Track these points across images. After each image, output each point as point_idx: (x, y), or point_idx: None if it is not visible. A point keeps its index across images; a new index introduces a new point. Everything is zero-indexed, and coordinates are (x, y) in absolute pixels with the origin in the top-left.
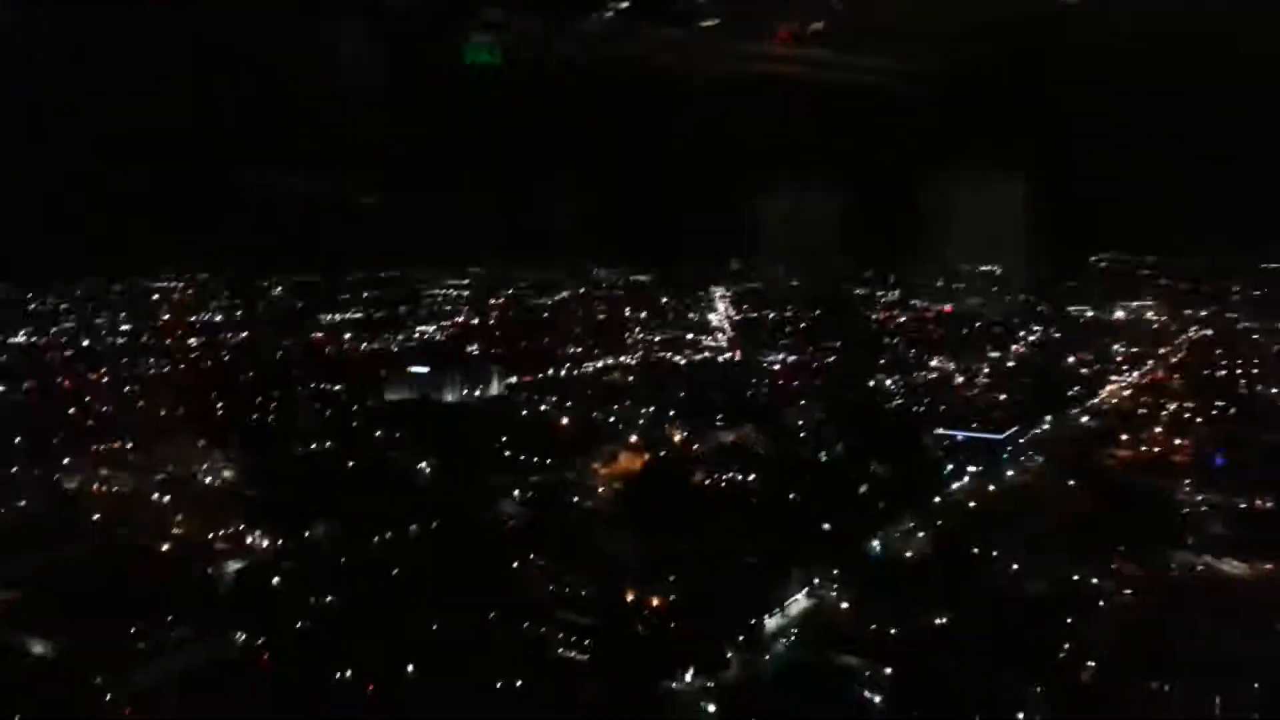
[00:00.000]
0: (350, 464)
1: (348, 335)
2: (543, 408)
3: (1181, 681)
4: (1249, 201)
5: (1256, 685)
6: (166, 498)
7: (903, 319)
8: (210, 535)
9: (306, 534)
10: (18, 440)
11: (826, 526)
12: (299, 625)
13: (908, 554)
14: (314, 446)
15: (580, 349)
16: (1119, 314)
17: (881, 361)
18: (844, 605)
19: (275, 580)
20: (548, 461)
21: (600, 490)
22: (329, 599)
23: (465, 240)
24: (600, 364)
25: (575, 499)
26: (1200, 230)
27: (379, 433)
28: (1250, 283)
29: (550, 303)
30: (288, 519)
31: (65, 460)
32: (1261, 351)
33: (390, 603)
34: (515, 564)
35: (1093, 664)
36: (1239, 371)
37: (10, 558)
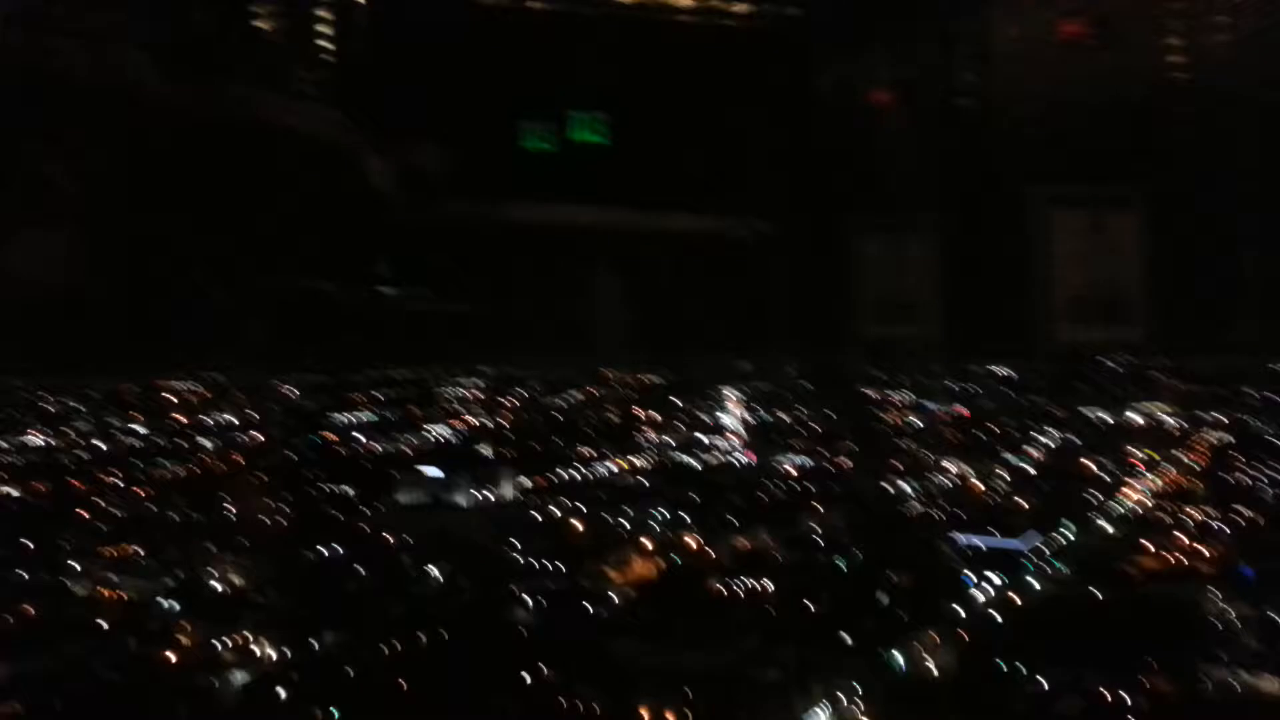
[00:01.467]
0: (360, 569)
1: (360, 436)
2: (556, 511)
3: None
4: (1261, 299)
5: None
6: (175, 604)
7: (917, 420)
8: (217, 644)
9: (315, 643)
10: (28, 545)
11: (847, 639)
12: None
13: (933, 667)
14: (324, 550)
15: (593, 450)
16: (1133, 416)
17: (897, 465)
18: None
19: (282, 691)
20: (560, 567)
21: (614, 598)
22: (336, 713)
23: (478, 336)
24: (613, 466)
25: (588, 607)
26: (1211, 328)
27: (390, 537)
28: (1264, 385)
29: (562, 403)
30: (296, 627)
31: (75, 565)
32: None
33: (399, 715)
34: (526, 675)
35: None
36: (1259, 476)
37: (12, 665)
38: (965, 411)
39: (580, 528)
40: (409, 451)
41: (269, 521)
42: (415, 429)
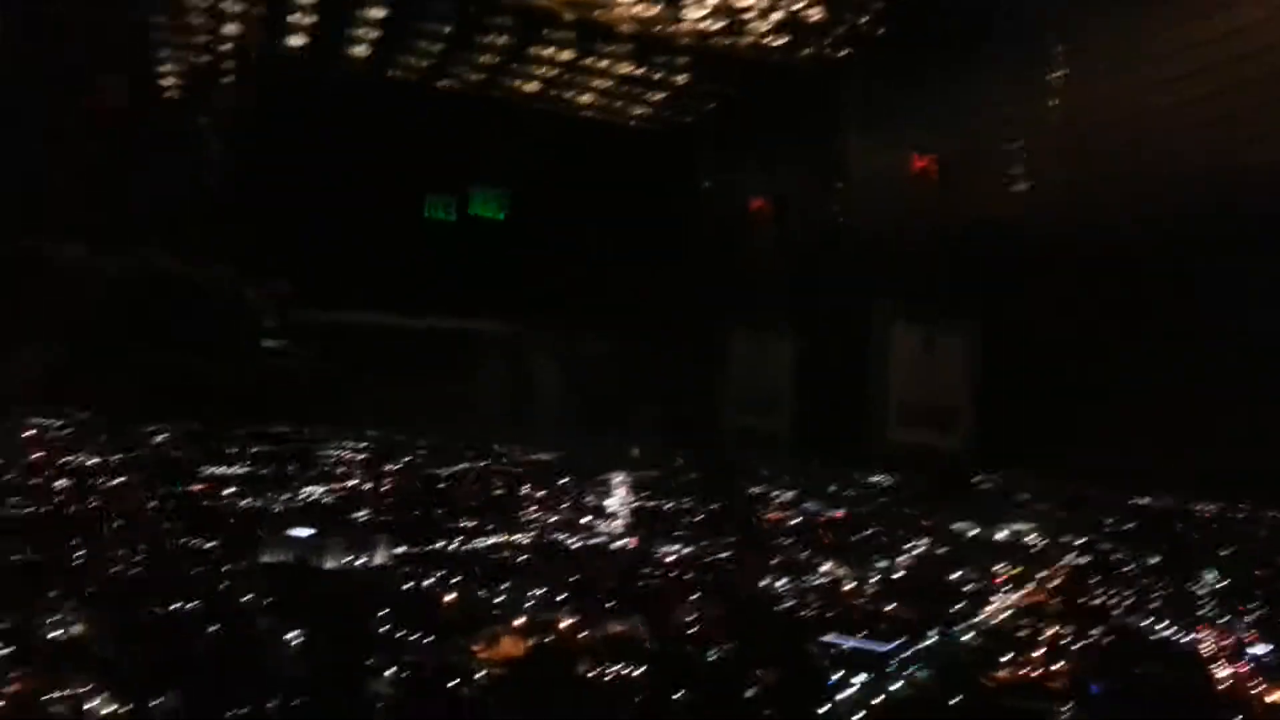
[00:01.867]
0: (214, 628)
1: (229, 490)
2: (427, 582)
3: None
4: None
5: None
6: (6, 650)
7: (796, 520)
8: (47, 696)
9: (155, 702)
10: None
11: None
12: None
13: None
14: (177, 606)
15: (473, 524)
16: (1000, 534)
17: (774, 561)
18: None
19: None
20: (426, 640)
21: (478, 675)
22: None
23: (370, 400)
24: (492, 541)
25: (451, 682)
26: (1078, 458)
27: (249, 596)
28: (1121, 518)
29: (447, 473)
30: (137, 684)
31: None
32: (1133, 583)
33: None
34: None
35: None
36: (1113, 600)
37: None
38: (841, 514)
39: (451, 600)
40: (279, 510)
41: (121, 569)
42: (289, 488)
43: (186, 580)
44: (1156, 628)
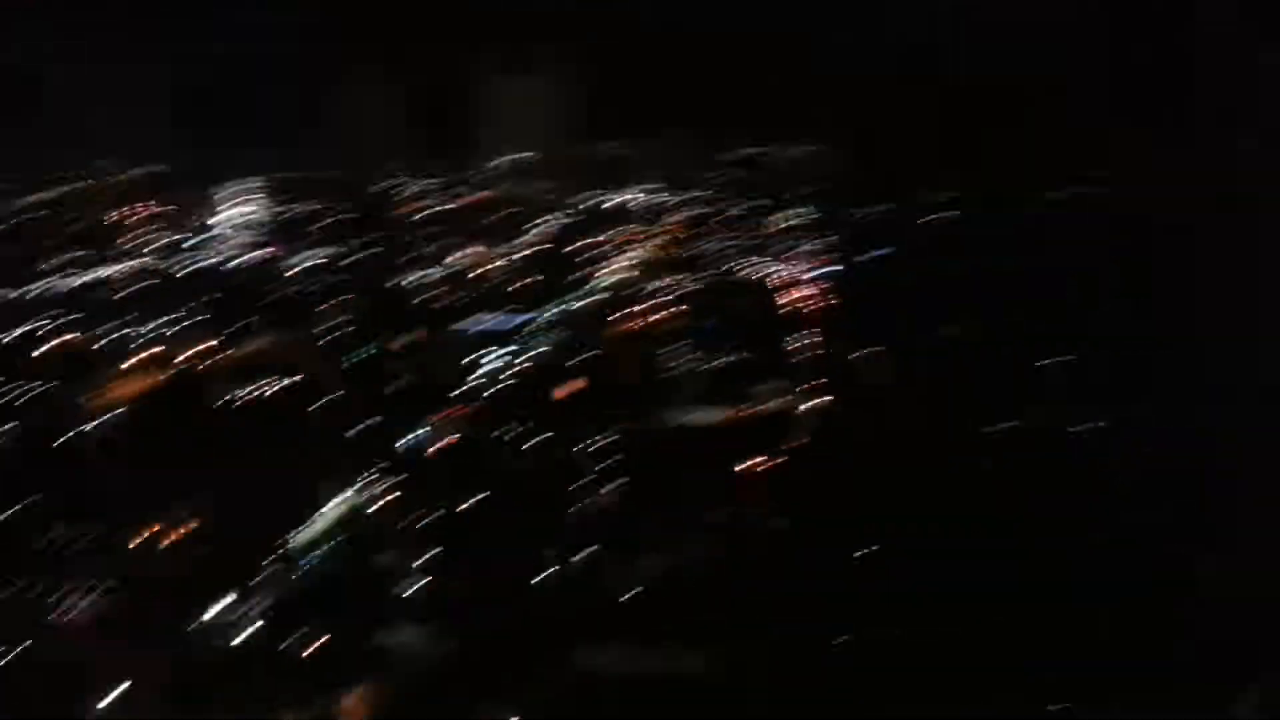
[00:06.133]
0: None
1: None
2: (30, 329)
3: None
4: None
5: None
6: None
7: (435, 209)
8: None
9: None
10: None
11: (358, 429)
12: None
13: (436, 444)
14: None
15: (75, 258)
16: (625, 198)
17: (411, 256)
18: (378, 506)
19: None
20: (41, 390)
21: (106, 416)
22: None
23: None
24: (104, 273)
25: (79, 429)
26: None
27: None
28: (723, 170)
29: (31, 201)
30: None
31: None
32: (740, 228)
33: None
34: None
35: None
36: (723, 246)
37: None
38: (485, 195)
39: (65, 342)
40: None
41: None
42: None
43: None
44: (744, 266)
